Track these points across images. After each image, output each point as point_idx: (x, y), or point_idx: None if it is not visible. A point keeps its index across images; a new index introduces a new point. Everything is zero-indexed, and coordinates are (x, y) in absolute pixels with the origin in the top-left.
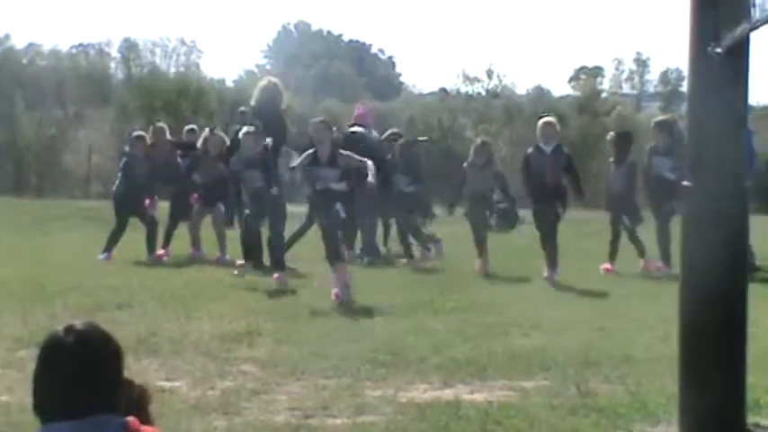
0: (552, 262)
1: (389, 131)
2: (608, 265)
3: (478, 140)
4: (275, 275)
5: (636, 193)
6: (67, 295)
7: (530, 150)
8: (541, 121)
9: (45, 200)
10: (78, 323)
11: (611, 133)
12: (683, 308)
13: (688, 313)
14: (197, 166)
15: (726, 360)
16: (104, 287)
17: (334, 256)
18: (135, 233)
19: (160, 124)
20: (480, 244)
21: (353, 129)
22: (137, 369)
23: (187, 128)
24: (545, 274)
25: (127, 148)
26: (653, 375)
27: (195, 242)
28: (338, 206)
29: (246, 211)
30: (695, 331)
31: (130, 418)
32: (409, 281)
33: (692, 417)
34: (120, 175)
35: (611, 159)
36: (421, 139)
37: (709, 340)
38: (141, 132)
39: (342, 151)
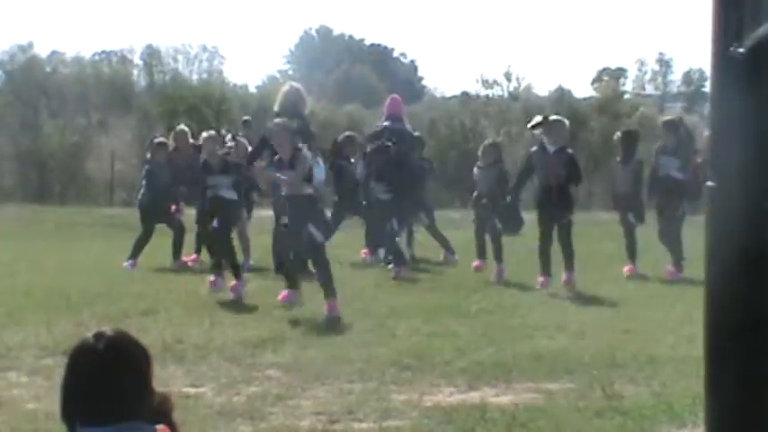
0: (570, 265)
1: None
2: (630, 266)
3: (488, 141)
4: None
5: (642, 192)
6: (93, 303)
7: (533, 149)
8: (550, 119)
9: (69, 207)
10: (108, 329)
11: (618, 132)
12: (708, 308)
13: (713, 314)
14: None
15: (752, 361)
16: (129, 294)
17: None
18: (159, 240)
19: (181, 127)
20: (482, 247)
21: (386, 124)
22: (163, 376)
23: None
24: (563, 278)
25: (149, 156)
26: (678, 377)
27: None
28: (311, 229)
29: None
30: (720, 332)
31: (161, 427)
32: (432, 285)
33: (718, 419)
34: (143, 183)
35: (618, 158)
36: (388, 144)
37: (735, 341)
38: (162, 139)
39: (302, 153)
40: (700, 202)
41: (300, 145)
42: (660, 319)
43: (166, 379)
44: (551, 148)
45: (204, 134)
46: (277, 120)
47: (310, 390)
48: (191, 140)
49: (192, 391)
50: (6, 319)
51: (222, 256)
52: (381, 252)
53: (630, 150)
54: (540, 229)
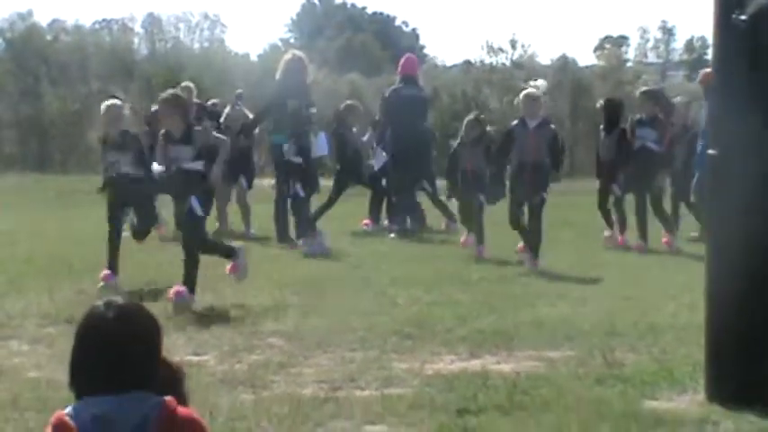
0: (535, 248)
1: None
2: (620, 238)
3: (471, 115)
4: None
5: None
6: (94, 271)
7: (514, 123)
8: (522, 94)
9: (69, 176)
10: (118, 298)
11: (601, 101)
12: (709, 276)
13: (714, 282)
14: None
15: (751, 328)
16: (131, 263)
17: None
18: (161, 209)
19: (187, 83)
20: (468, 221)
21: (399, 87)
22: (165, 344)
23: (210, 102)
24: (525, 262)
25: (147, 128)
26: (678, 344)
27: (221, 217)
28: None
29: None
30: (721, 300)
31: (168, 398)
32: (435, 253)
33: (717, 384)
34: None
35: (602, 127)
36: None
37: (735, 308)
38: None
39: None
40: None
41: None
42: (661, 287)
43: (169, 347)
44: (532, 123)
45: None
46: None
47: (312, 358)
48: (196, 100)
49: (195, 359)
50: (8, 287)
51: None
52: (386, 222)
53: (614, 119)
54: (510, 208)
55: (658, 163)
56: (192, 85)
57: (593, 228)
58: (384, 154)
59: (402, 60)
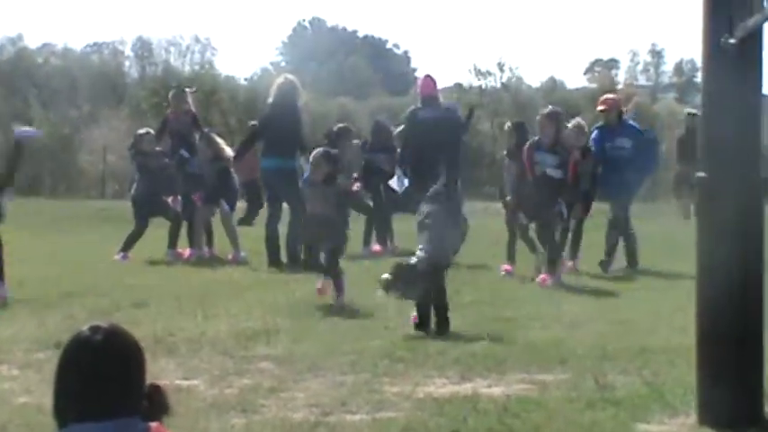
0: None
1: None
2: (507, 266)
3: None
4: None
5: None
6: (84, 296)
7: (528, 144)
8: (540, 115)
9: (60, 200)
10: (102, 323)
11: (508, 123)
12: (700, 299)
13: (704, 305)
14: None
15: (743, 351)
16: (121, 287)
17: None
18: (152, 232)
19: (181, 89)
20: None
21: (417, 109)
22: (154, 369)
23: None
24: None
25: (133, 151)
26: (670, 367)
27: (197, 241)
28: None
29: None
30: (712, 323)
31: (154, 424)
32: None
33: (709, 408)
34: (136, 177)
35: (505, 152)
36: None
37: (726, 331)
38: (144, 129)
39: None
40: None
41: None
42: (652, 311)
43: (158, 372)
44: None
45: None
46: None
47: (303, 382)
48: (191, 108)
49: (185, 383)
50: None
51: None
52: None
53: (520, 144)
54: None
55: (561, 190)
56: (187, 90)
57: (584, 251)
58: (405, 178)
59: (419, 81)
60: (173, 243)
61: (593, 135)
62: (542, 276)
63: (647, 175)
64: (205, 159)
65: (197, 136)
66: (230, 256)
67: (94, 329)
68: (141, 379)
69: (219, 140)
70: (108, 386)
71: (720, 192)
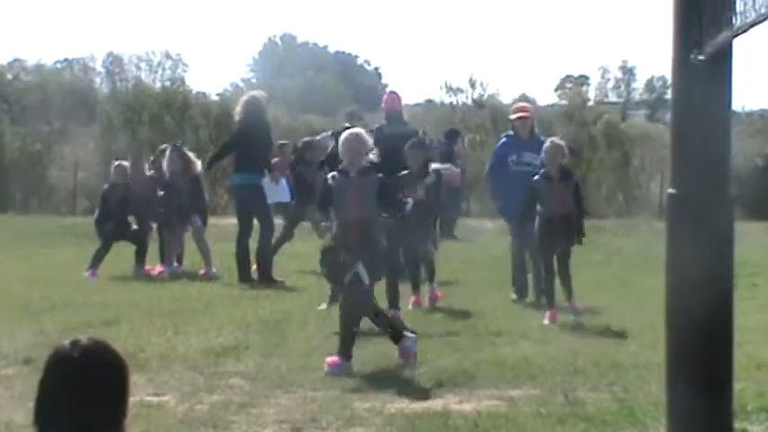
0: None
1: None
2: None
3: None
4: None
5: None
6: (55, 312)
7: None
8: (548, 143)
9: (31, 216)
10: (83, 338)
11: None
12: (669, 315)
13: (674, 320)
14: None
15: (713, 366)
16: (92, 303)
17: None
18: (122, 248)
19: (134, 157)
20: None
21: (383, 126)
22: None
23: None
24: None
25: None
26: (640, 382)
27: (168, 257)
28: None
29: None
30: (682, 338)
31: None
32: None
33: (679, 423)
34: (99, 203)
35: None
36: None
37: (696, 347)
38: (122, 162)
39: None
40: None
41: None
42: (622, 326)
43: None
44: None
45: None
46: None
47: (273, 398)
48: (148, 171)
49: (155, 399)
50: None
51: None
52: None
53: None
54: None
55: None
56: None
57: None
58: None
59: (384, 97)
60: (140, 260)
61: (500, 143)
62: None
63: None
64: (177, 171)
65: (168, 149)
66: (202, 271)
67: (74, 344)
68: (124, 393)
69: (190, 153)
70: (87, 401)
71: (690, 208)
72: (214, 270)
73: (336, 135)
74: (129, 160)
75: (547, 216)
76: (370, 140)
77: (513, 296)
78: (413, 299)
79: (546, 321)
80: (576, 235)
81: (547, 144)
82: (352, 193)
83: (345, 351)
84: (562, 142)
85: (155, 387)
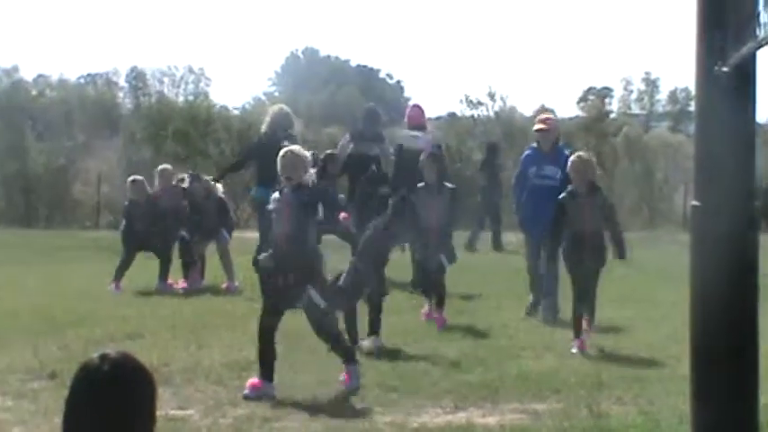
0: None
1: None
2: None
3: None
4: None
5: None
6: (79, 326)
7: (563, 195)
8: (575, 158)
9: (55, 231)
10: (112, 352)
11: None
12: (694, 328)
13: (698, 333)
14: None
15: (738, 379)
16: (116, 317)
17: None
18: (147, 261)
19: (165, 166)
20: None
21: (414, 134)
22: None
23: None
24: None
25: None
26: (665, 395)
27: (194, 270)
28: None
29: None
30: (706, 351)
31: None
32: (420, 304)
33: None
34: (122, 216)
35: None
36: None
37: (721, 360)
38: (136, 177)
39: None
40: None
41: None
42: (646, 339)
43: None
44: (583, 191)
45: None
46: None
47: (296, 412)
48: (176, 183)
49: (179, 413)
50: None
51: None
52: None
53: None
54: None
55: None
56: (170, 167)
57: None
58: None
59: (408, 111)
60: (164, 275)
61: (523, 155)
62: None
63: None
64: (200, 198)
65: (188, 180)
66: (225, 285)
67: (103, 358)
68: (152, 406)
69: (207, 177)
70: (118, 414)
71: (714, 221)
72: (236, 284)
73: (354, 136)
74: (158, 172)
75: (575, 235)
76: (308, 157)
77: (528, 310)
78: (425, 311)
79: (574, 350)
80: (618, 250)
81: (573, 159)
82: (286, 211)
83: (349, 357)
84: (590, 156)
85: (179, 401)
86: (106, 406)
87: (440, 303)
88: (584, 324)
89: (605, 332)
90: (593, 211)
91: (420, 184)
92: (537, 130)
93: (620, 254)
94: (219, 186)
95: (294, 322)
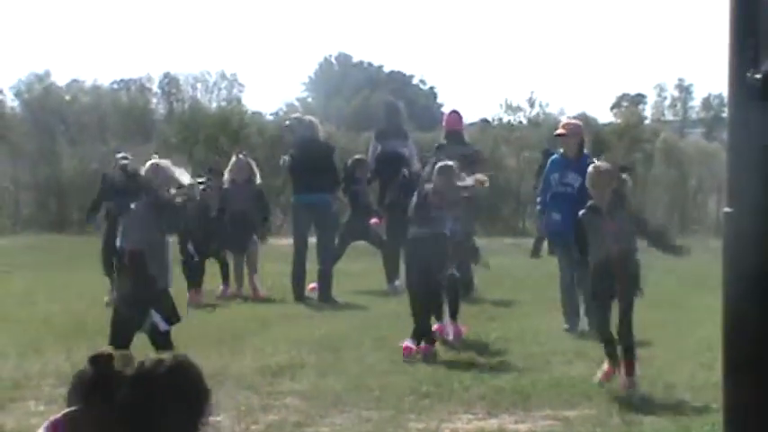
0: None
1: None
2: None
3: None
4: None
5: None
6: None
7: (582, 211)
8: (591, 169)
9: (87, 236)
10: (168, 356)
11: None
12: (726, 335)
13: (730, 341)
14: (225, 196)
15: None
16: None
17: None
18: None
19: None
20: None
21: (443, 145)
22: None
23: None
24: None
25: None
26: (696, 403)
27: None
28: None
29: None
30: (738, 359)
31: None
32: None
33: None
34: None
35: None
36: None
37: (753, 368)
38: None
39: None
40: None
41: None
42: (678, 346)
43: None
44: (605, 207)
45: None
46: None
47: (328, 417)
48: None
49: (210, 419)
50: (26, 347)
51: None
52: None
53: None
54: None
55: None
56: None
57: None
58: None
59: (445, 117)
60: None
61: (549, 160)
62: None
63: None
64: (241, 180)
65: (235, 158)
66: (252, 293)
67: (160, 362)
68: (197, 418)
69: (253, 163)
70: (161, 421)
71: (747, 227)
72: (263, 291)
73: (378, 136)
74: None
75: (600, 258)
76: (169, 169)
77: (565, 326)
78: (436, 326)
79: (598, 377)
80: (672, 251)
81: (589, 170)
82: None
83: None
84: (608, 165)
85: None
86: (152, 413)
87: (452, 311)
88: (624, 369)
89: (637, 338)
90: (620, 229)
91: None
92: (557, 135)
93: (676, 251)
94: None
95: (327, 328)
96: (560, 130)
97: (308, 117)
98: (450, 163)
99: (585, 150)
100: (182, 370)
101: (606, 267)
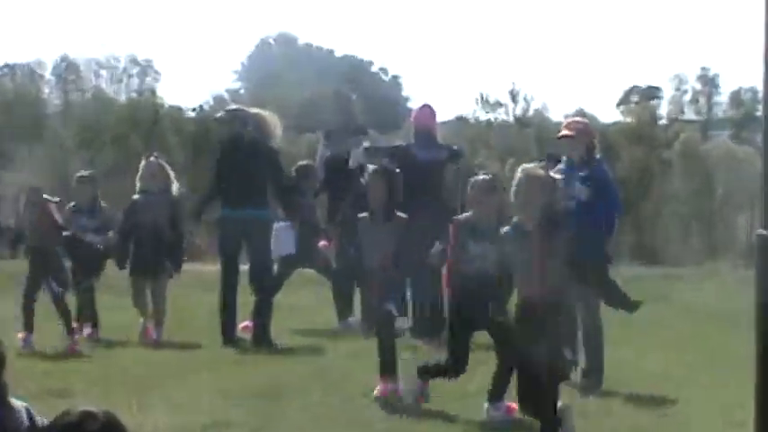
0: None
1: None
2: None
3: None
4: None
5: None
6: None
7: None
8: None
9: None
10: (97, 410)
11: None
12: (761, 389)
13: (764, 390)
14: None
15: None
16: (36, 371)
17: None
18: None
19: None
20: None
21: (411, 146)
22: None
23: None
24: None
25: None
26: None
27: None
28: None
29: None
30: None
31: None
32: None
33: None
34: None
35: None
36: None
37: None
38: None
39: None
40: None
41: None
42: (705, 401)
43: None
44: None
45: None
46: None
47: None
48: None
49: None
50: None
51: None
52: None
53: None
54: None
55: None
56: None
57: (625, 324)
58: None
59: (414, 112)
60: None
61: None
62: None
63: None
64: (155, 189)
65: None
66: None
67: (89, 415)
68: None
69: (168, 168)
70: None
71: None
72: (156, 336)
73: (328, 136)
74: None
75: (524, 299)
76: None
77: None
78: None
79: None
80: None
81: (518, 176)
82: None
83: None
84: (539, 170)
85: None
86: None
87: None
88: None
89: (657, 388)
90: (550, 256)
91: None
92: (560, 137)
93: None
94: (176, 185)
95: (260, 375)
96: (565, 132)
97: (254, 109)
98: None
99: (598, 155)
100: (112, 429)
101: (528, 315)
